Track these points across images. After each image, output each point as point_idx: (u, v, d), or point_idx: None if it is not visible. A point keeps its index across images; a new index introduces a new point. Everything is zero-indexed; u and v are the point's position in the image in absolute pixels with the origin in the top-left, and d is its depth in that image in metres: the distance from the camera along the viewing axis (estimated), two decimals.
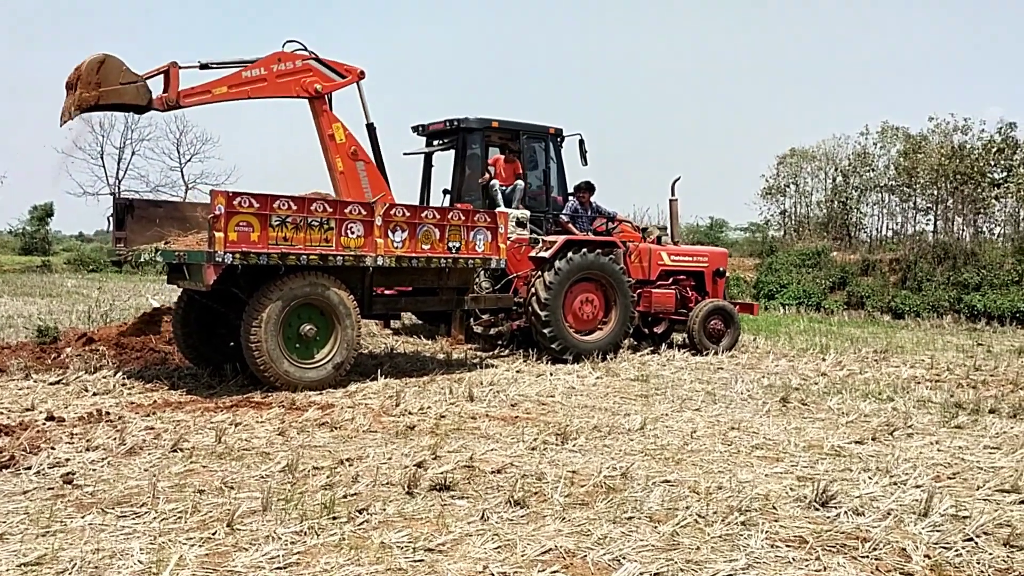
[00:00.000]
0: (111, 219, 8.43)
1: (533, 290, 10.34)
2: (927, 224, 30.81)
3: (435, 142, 13.29)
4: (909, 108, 61.61)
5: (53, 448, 5.35)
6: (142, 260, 7.79)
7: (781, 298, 22.40)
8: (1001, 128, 29.15)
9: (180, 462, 5.12)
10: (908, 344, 14.24)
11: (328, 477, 4.82)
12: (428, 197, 13.37)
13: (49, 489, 4.55)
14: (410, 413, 6.81)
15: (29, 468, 4.88)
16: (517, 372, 9.43)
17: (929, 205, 31.02)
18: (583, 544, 3.84)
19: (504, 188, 11.73)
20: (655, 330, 12.84)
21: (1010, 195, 27.86)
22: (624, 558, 3.67)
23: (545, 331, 10.24)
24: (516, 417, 6.82)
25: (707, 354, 11.57)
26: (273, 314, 7.58)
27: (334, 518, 4.11)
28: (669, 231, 12.79)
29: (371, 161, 10.26)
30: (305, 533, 3.90)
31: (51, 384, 7.78)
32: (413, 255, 8.59)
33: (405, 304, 9.40)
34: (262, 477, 4.84)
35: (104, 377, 8.07)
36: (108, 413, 6.47)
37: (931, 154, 29.39)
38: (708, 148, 52.86)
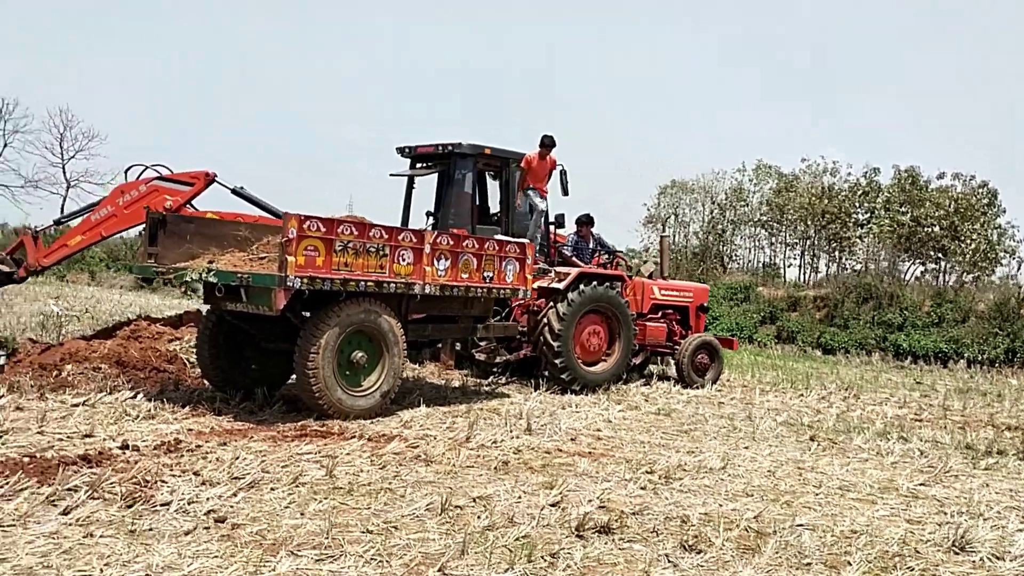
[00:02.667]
0: (144, 233, 8.06)
1: (545, 320, 10.43)
2: (794, 259, 32.94)
3: (419, 165, 13.22)
4: (774, 148, 66.84)
5: (164, 482, 5.09)
6: (188, 279, 7.45)
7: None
8: (867, 172, 31.47)
9: (314, 499, 4.97)
10: (856, 380, 15.05)
11: (484, 518, 4.77)
12: (408, 219, 13.28)
13: (206, 528, 4.34)
14: (485, 446, 6.79)
15: (167, 505, 4.63)
16: (540, 403, 9.48)
17: (796, 240, 33.04)
18: None
19: (536, 198, 11.57)
20: (634, 361, 13.11)
21: (872, 235, 30.00)
22: None
23: (557, 362, 10.35)
24: (590, 453, 6.89)
25: (695, 387, 11.94)
26: (330, 341, 7.41)
27: (531, 561, 4.10)
28: (659, 266, 13.13)
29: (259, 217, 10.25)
30: None
31: (73, 406, 7.34)
32: (454, 284, 8.56)
33: (432, 332, 9.30)
34: (416, 516, 4.75)
35: (128, 399, 7.68)
36: (180, 441, 6.18)
37: (802, 193, 31.39)
38: (594, 176, 54.32)
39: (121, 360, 9.42)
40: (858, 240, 31.73)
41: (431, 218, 12.99)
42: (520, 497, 5.32)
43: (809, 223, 31.87)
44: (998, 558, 4.69)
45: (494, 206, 13.24)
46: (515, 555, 4.17)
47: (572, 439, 7.46)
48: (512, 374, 11.75)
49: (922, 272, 29.60)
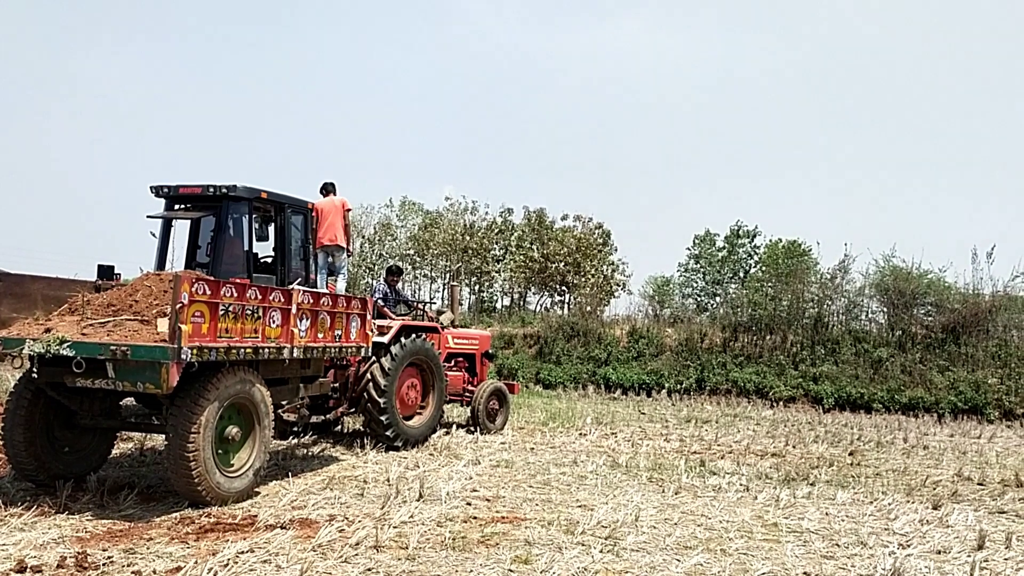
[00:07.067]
0: None
1: (369, 376, 10.09)
2: (437, 292, 35.21)
3: (178, 206, 12.09)
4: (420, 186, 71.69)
5: None
6: (31, 352, 6.13)
7: None
8: (502, 212, 34.80)
9: None
10: (596, 415, 16.40)
11: None
12: (164, 267, 12.08)
13: None
14: (408, 523, 6.45)
15: None
16: (377, 464, 9.15)
17: (437, 275, 35.41)
18: None
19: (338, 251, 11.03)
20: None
21: (508, 269, 33.22)
22: None
23: (382, 418, 10.05)
24: (504, 518, 6.86)
25: (492, 432, 12.27)
26: (210, 418, 6.58)
27: None
28: (450, 314, 13.24)
29: None
30: None
31: None
32: (314, 344, 8.04)
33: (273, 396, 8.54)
34: None
35: None
36: (85, 553, 5.11)
37: (446, 229, 33.81)
38: None
39: None
40: (496, 274, 34.43)
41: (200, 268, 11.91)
42: None
43: (452, 258, 33.86)
44: None
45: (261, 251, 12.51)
46: None
47: (468, 503, 7.35)
48: (314, 432, 11.22)
49: (551, 303, 32.77)
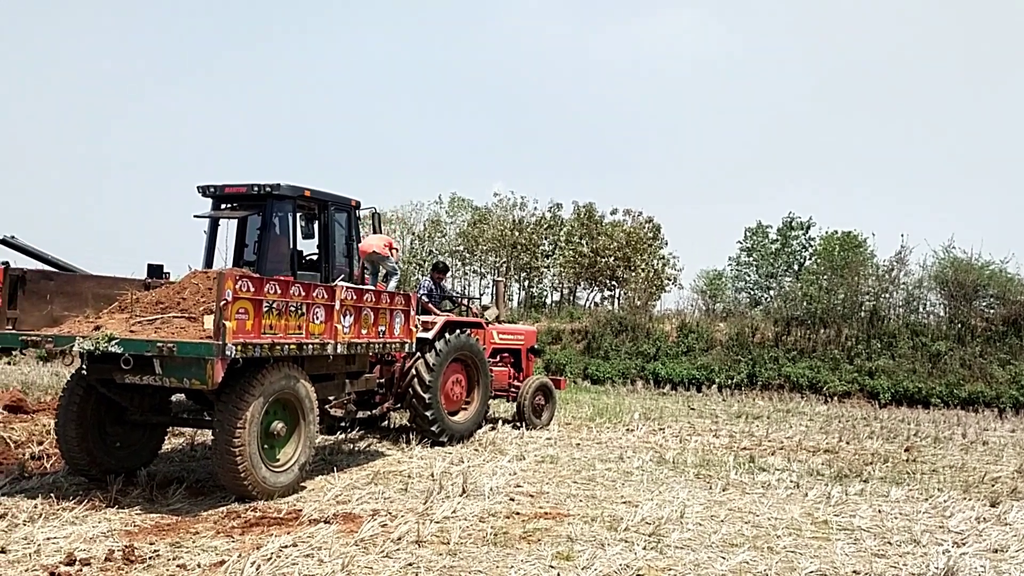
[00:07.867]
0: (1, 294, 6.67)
1: (414, 371, 10.12)
2: (486, 288, 34.89)
3: (224, 206, 12.25)
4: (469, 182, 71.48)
5: None
6: (84, 350, 6.27)
7: None
8: (551, 207, 34.45)
9: None
10: (645, 410, 16.25)
11: None
12: (211, 264, 12.26)
13: None
14: (450, 518, 6.45)
15: None
16: (421, 459, 9.19)
17: (487, 271, 35.11)
18: None
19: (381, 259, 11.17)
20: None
21: (557, 265, 32.89)
22: None
23: (427, 414, 10.07)
24: (547, 514, 6.82)
25: (538, 428, 12.23)
26: (256, 413, 6.65)
27: None
28: (495, 309, 13.23)
29: None
30: None
31: None
32: (358, 340, 8.08)
33: (317, 392, 8.63)
34: None
35: None
36: (134, 548, 5.21)
37: (495, 225, 33.56)
38: None
39: None
40: (545, 270, 34.21)
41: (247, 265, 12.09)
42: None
43: (501, 253, 33.70)
44: None
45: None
46: None
47: (511, 499, 7.32)
48: (360, 427, 11.31)
49: (601, 298, 32.45)
